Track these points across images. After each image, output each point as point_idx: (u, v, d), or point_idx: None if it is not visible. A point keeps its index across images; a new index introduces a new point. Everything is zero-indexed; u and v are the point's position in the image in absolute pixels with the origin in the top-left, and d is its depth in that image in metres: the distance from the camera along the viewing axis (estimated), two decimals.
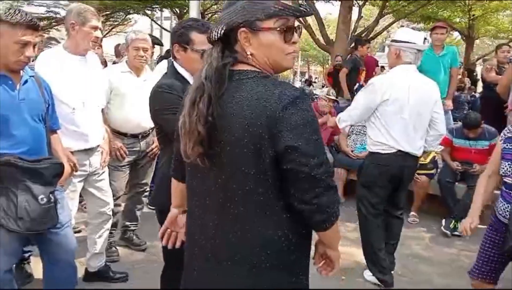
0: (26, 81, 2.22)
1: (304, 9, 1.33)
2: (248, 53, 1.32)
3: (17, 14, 2.05)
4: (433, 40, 5.34)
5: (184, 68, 2.18)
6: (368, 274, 3.42)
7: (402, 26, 22.59)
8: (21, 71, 2.21)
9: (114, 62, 5.40)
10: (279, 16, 1.30)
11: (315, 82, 21.64)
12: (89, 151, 2.85)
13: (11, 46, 2.07)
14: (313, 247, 1.52)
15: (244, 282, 1.35)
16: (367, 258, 3.38)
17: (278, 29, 1.31)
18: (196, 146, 1.30)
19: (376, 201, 3.26)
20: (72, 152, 2.70)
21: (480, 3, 14.91)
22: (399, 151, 3.10)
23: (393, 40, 3.17)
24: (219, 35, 1.33)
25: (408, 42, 3.07)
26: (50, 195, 2.18)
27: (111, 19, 18.48)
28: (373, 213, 3.29)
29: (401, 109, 3.04)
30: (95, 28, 2.69)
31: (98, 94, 2.93)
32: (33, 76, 2.30)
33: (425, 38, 3.22)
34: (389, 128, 3.09)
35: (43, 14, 16.41)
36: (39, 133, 2.25)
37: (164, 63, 4.68)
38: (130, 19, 20.68)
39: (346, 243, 4.10)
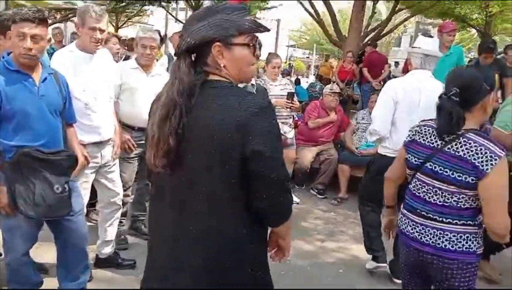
0: (45, 78, 2.39)
1: (265, 27, 1.52)
2: (222, 65, 1.45)
3: (19, 12, 2.22)
4: (441, 40, 5.39)
5: None
6: (369, 264, 3.49)
7: (417, 21, 22.43)
8: (40, 69, 2.38)
9: (126, 57, 5.49)
10: (249, 33, 1.47)
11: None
12: (100, 144, 3.01)
13: (13, 40, 2.25)
14: None
15: (205, 278, 1.45)
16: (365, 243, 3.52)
17: (250, 45, 1.48)
18: (164, 156, 1.42)
19: (377, 198, 3.19)
20: (84, 145, 2.86)
21: (497, 0, 14.73)
22: None
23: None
24: (188, 47, 1.44)
25: (414, 47, 3.19)
26: (65, 185, 2.37)
27: (126, 10, 18.64)
28: (375, 209, 3.40)
29: (410, 112, 3.08)
30: (93, 29, 2.77)
31: (109, 89, 3.07)
32: (52, 73, 2.47)
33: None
34: (396, 131, 3.15)
35: (61, 5, 16.62)
36: (56, 127, 2.43)
37: (165, 58, 4.76)
38: (145, 10, 20.84)
39: (346, 238, 4.26)
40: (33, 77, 2.33)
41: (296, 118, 5.58)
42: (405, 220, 2.14)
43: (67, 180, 2.38)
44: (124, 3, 16.58)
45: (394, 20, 13.94)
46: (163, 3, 17.24)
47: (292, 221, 1.60)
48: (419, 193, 2.08)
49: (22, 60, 2.28)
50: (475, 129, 1.96)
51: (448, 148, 1.95)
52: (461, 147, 1.92)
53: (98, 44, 2.87)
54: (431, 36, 6.55)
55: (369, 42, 10.41)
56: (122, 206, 3.34)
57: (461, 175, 1.91)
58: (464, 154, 1.90)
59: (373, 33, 11.45)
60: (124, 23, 21.28)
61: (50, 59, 3.09)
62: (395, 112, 3.14)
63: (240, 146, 1.37)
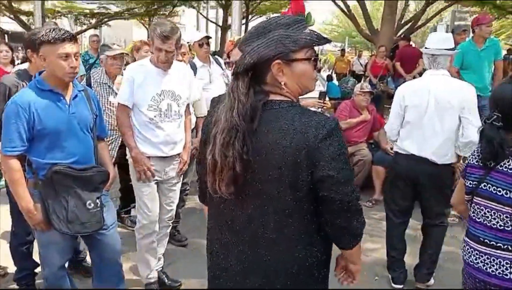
0: (76, 96, 2.43)
1: (326, 39, 1.43)
2: (282, 83, 1.38)
3: (52, 32, 2.26)
4: (476, 34, 5.20)
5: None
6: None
7: (453, 10, 21.64)
8: (71, 87, 2.43)
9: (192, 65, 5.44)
10: (309, 47, 1.40)
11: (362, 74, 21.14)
12: (165, 159, 2.97)
13: (55, 62, 2.28)
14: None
15: None
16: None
17: (312, 59, 1.41)
18: (230, 183, 1.35)
19: (396, 203, 3.32)
20: (148, 157, 2.88)
21: None
22: (412, 154, 3.10)
23: None
24: (247, 67, 1.37)
25: (426, 48, 3.11)
26: (97, 200, 2.40)
27: (158, 12, 18.92)
28: (395, 220, 3.35)
29: (420, 115, 3.05)
30: (159, 50, 2.75)
31: (179, 106, 2.96)
32: (82, 90, 2.52)
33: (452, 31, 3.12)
34: (408, 132, 3.14)
35: (95, 10, 17.07)
36: (88, 144, 2.47)
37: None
38: (177, 10, 21.09)
39: (380, 241, 4.15)
40: (64, 95, 2.38)
41: None
42: (468, 249, 2.00)
43: (99, 196, 2.42)
44: (155, 6, 16.84)
45: (429, 9, 13.50)
46: (194, 3, 17.45)
47: None
48: (478, 219, 1.96)
49: (67, 80, 2.34)
50: None
51: (501, 166, 1.84)
52: None
53: (165, 64, 2.84)
54: (464, 30, 6.33)
55: (402, 35, 10.11)
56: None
57: None
58: None
59: (406, 26, 11.13)
60: None
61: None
62: (406, 115, 3.13)
63: (310, 171, 1.32)
